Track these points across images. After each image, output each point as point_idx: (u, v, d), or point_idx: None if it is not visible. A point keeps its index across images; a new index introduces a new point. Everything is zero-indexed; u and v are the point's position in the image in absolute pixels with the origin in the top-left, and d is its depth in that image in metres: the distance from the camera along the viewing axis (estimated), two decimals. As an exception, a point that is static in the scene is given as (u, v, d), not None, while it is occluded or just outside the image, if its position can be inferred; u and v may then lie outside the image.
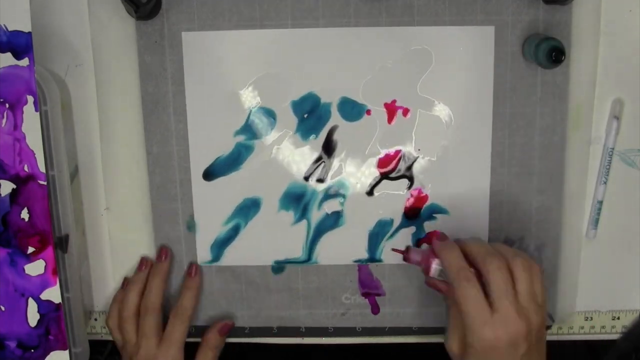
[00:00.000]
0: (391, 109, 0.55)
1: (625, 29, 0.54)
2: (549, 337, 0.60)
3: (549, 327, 0.60)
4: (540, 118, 0.55)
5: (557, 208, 0.57)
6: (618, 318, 0.60)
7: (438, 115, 0.55)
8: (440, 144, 0.56)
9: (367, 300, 0.59)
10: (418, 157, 0.56)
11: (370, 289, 0.59)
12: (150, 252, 0.58)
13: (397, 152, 0.56)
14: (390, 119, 0.56)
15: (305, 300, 0.59)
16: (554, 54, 0.49)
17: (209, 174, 0.57)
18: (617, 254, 0.59)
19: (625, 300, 0.60)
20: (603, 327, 0.60)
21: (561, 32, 0.53)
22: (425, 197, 0.57)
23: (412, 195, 0.57)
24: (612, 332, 0.60)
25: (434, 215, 0.57)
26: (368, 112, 0.55)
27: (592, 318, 0.60)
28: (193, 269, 0.58)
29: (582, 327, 0.60)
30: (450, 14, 0.53)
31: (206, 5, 0.54)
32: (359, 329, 0.60)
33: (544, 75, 0.54)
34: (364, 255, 0.58)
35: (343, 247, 0.58)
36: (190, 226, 0.58)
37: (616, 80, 0.55)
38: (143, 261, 0.58)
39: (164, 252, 0.58)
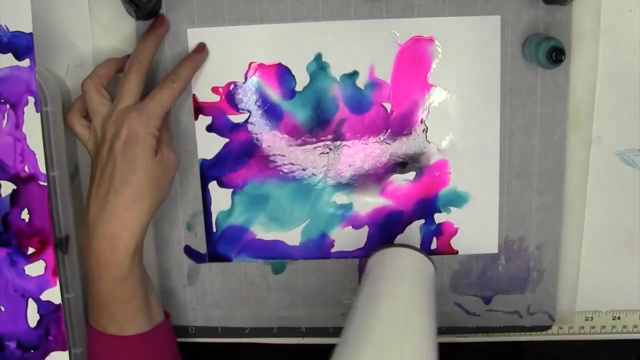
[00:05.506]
0: (400, 99, 0.55)
1: (625, 29, 0.54)
2: (549, 337, 0.60)
3: (549, 327, 0.60)
4: (540, 118, 0.55)
5: (557, 208, 0.57)
6: (618, 318, 0.60)
7: (447, 104, 0.55)
8: (449, 133, 0.56)
9: (367, 300, 0.59)
10: (427, 147, 0.56)
11: (370, 289, 0.59)
12: (150, 251, 0.58)
13: (406, 142, 0.56)
14: (398, 110, 0.55)
15: (305, 300, 0.59)
16: (554, 54, 0.49)
17: (214, 170, 0.57)
18: (617, 254, 0.59)
19: (625, 300, 0.60)
20: (603, 327, 0.60)
21: (561, 32, 0.53)
22: (436, 189, 0.57)
23: (421, 187, 0.57)
24: (612, 332, 0.60)
25: (445, 207, 0.57)
26: (376, 103, 0.55)
27: (592, 318, 0.60)
28: (202, 46, 0.54)
29: (582, 327, 0.60)
30: (450, 13, 0.53)
31: (206, 5, 0.54)
32: (359, 329, 0.60)
33: (544, 75, 0.54)
34: (375, 247, 0.58)
35: (352, 241, 0.58)
36: (190, 226, 0.58)
37: (616, 80, 0.55)
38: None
39: (161, 19, 0.53)
